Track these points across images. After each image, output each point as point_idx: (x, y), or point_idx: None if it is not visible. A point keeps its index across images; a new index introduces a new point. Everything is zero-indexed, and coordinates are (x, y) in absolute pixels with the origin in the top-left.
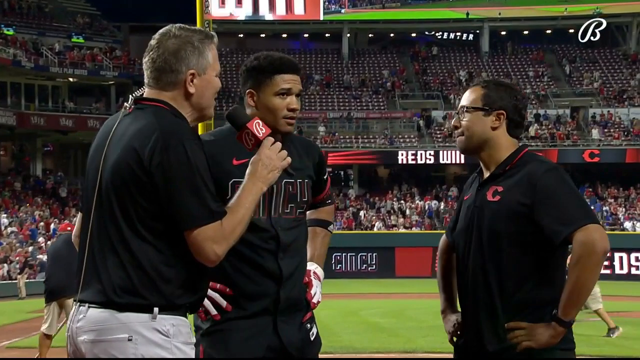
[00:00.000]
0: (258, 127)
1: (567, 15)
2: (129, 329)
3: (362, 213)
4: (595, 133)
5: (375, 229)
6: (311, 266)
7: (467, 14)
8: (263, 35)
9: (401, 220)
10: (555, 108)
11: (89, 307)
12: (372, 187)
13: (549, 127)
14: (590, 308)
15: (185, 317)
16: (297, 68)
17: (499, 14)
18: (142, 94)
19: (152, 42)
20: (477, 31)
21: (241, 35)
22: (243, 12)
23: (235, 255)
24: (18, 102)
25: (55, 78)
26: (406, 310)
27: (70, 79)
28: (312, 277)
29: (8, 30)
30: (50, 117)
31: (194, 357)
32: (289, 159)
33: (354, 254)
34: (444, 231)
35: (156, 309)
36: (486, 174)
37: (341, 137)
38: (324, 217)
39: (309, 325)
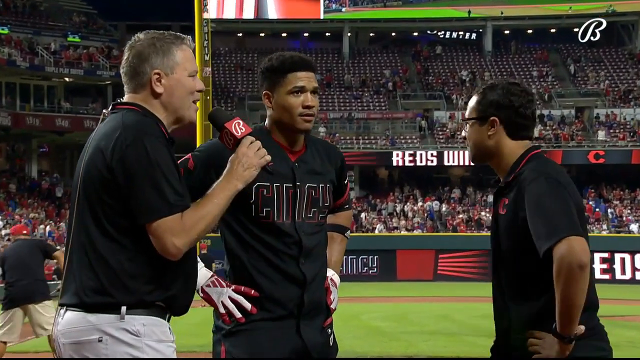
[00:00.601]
0: (237, 127)
1: (572, 13)
2: (98, 330)
3: (363, 215)
4: (601, 134)
5: (376, 231)
6: (328, 272)
7: (469, 12)
8: (262, 35)
9: (403, 222)
10: (559, 108)
11: (66, 309)
12: (373, 189)
13: (553, 127)
14: None
15: (162, 317)
16: (310, 65)
17: (501, 13)
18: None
19: (125, 49)
20: (480, 30)
21: (240, 35)
22: (245, 14)
23: (259, 259)
24: (13, 103)
25: (51, 78)
26: (408, 314)
27: (66, 79)
28: (329, 283)
29: (3, 29)
30: (46, 117)
31: (171, 355)
32: (268, 157)
33: (354, 256)
34: (446, 233)
35: (124, 309)
36: (501, 183)
37: (342, 138)
38: (341, 222)
39: (329, 330)
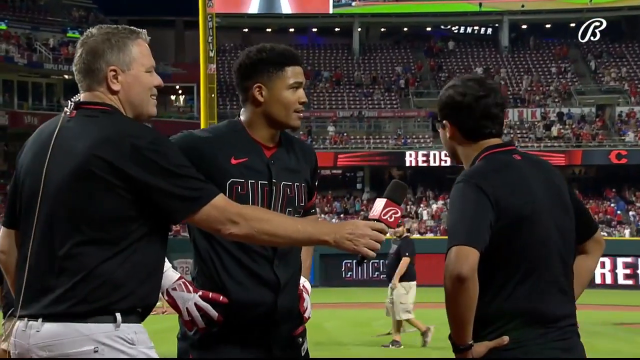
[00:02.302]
0: (394, 214)
1: (592, 7)
2: (93, 340)
3: None
4: (631, 136)
5: (388, 234)
6: (300, 280)
7: (480, 4)
8: (269, 30)
9: (415, 225)
10: (579, 106)
11: (42, 321)
12: (384, 190)
13: (573, 126)
14: (399, 317)
15: (141, 322)
16: (300, 60)
17: (522, 6)
18: (80, 98)
19: (77, 45)
20: (496, 25)
21: (246, 30)
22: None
23: (231, 261)
24: (10, 101)
25: (50, 75)
26: (420, 321)
27: (66, 76)
28: (302, 290)
29: (0, 25)
30: (45, 116)
31: (157, 356)
32: (372, 253)
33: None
34: None
35: (119, 316)
36: None
37: (352, 137)
38: None
39: (300, 339)
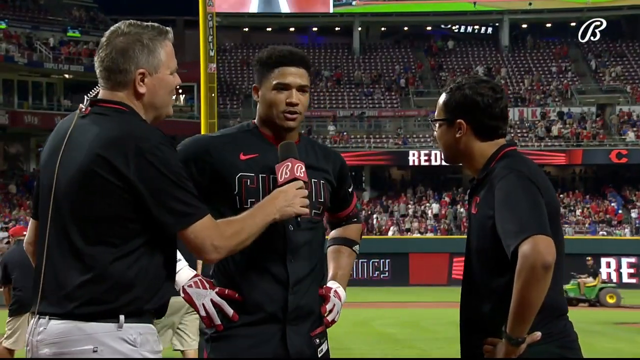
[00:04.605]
0: (299, 169)
1: (593, 6)
2: (94, 339)
3: (374, 217)
4: (631, 135)
5: (390, 233)
6: (333, 284)
7: (474, 3)
8: (269, 29)
9: (415, 224)
10: (579, 105)
11: (49, 319)
12: (384, 190)
13: (573, 125)
14: None
15: (152, 323)
16: (301, 61)
17: (530, 4)
18: (97, 94)
19: (103, 39)
20: (497, 24)
21: (246, 29)
22: (252, 6)
23: (242, 257)
24: (11, 100)
25: (50, 74)
26: (421, 320)
27: (66, 76)
28: (331, 294)
29: (0, 24)
30: (45, 115)
31: None
32: (307, 210)
33: (365, 260)
34: (461, 236)
35: (122, 317)
36: (474, 182)
37: (352, 136)
38: (350, 235)
39: (317, 340)
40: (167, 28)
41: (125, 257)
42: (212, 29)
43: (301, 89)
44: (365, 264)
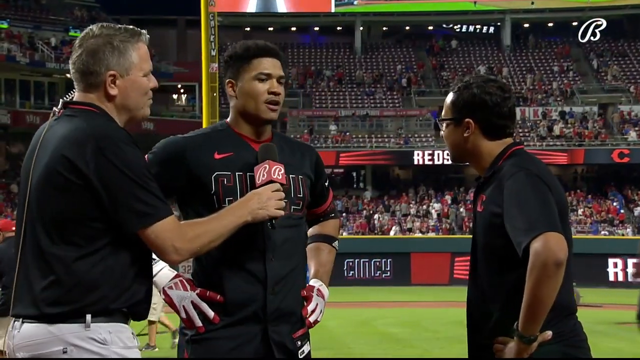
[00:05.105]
0: (277, 171)
1: (594, 6)
2: (62, 341)
3: (376, 216)
4: (633, 135)
5: (391, 233)
6: (315, 283)
7: (474, 3)
8: (271, 29)
9: (417, 224)
10: (581, 105)
11: (22, 322)
12: (386, 189)
13: (575, 125)
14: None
15: (125, 322)
16: (276, 52)
17: (532, 3)
18: (72, 97)
19: (76, 42)
20: (498, 23)
21: (248, 29)
22: (252, 6)
23: (222, 256)
24: (12, 100)
25: (52, 74)
26: (423, 320)
27: (68, 75)
28: (313, 293)
29: (2, 24)
30: (47, 115)
31: (137, 356)
32: (282, 212)
33: (367, 259)
34: (462, 236)
35: (89, 317)
36: (481, 180)
37: (354, 136)
38: (328, 231)
39: (299, 342)
40: (141, 30)
41: (90, 256)
42: (214, 28)
43: (280, 79)
44: (367, 263)
